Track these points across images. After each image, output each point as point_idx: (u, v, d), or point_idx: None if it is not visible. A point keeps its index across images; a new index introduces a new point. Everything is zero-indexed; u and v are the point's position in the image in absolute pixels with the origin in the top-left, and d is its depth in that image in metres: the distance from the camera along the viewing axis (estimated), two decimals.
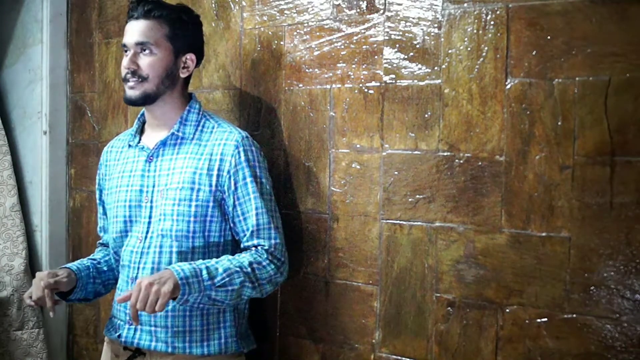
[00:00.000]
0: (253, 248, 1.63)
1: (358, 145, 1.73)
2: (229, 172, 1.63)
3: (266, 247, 1.61)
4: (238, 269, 1.55)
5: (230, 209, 1.64)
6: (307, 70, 1.82)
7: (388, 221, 1.68)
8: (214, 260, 1.57)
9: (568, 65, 1.43)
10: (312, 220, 1.82)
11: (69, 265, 1.76)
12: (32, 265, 2.42)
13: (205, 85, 2.03)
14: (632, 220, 1.36)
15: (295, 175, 1.85)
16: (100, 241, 1.94)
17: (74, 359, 2.50)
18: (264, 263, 1.59)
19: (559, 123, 1.44)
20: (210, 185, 1.63)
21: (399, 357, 1.67)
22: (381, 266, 1.70)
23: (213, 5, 2.01)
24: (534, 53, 1.47)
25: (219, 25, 2.00)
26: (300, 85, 1.83)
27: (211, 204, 1.64)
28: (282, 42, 1.87)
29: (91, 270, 1.79)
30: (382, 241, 1.69)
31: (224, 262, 1.56)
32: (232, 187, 1.63)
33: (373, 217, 1.71)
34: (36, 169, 2.44)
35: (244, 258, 1.58)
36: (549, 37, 1.45)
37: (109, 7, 2.32)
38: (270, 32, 1.89)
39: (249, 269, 1.56)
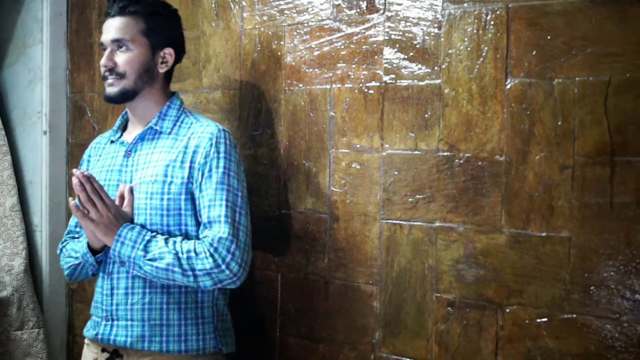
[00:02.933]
0: (203, 239, 1.59)
1: (358, 145, 1.73)
2: (199, 163, 1.61)
3: (210, 240, 1.56)
4: (174, 252, 1.55)
5: (198, 200, 1.62)
6: (307, 70, 1.82)
7: (388, 221, 1.68)
8: (166, 238, 1.58)
9: (568, 65, 1.43)
10: (312, 220, 1.81)
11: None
12: (32, 265, 2.42)
13: (205, 85, 2.03)
14: (632, 220, 1.36)
15: (295, 175, 1.85)
16: (71, 235, 1.86)
17: (73, 359, 2.50)
18: (201, 255, 1.54)
19: (559, 123, 1.44)
20: (183, 178, 1.62)
21: (399, 357, 1.67)
22: (381, 266, 1.70)
23: (213, 5, 2.01)
24: (534, 53, 1.47)
25: (219, 25, 2.00)
26: (300, 85, 1.83)
27: (183, 196, 1.62)
28: (282, 42, 1.86)
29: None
30: (382, 241, 1.69)
31: (168, 243, 1.56)
32: (200, 179, 1.61)
33: (373, 217, 1.71)
34: (36, 169, 2.44)
35: (187, 244, 1.57)
36: (549, 37, 1.45)
37: None
38: (270, 32, 1.89)
39: (183, 256, 1.55)
